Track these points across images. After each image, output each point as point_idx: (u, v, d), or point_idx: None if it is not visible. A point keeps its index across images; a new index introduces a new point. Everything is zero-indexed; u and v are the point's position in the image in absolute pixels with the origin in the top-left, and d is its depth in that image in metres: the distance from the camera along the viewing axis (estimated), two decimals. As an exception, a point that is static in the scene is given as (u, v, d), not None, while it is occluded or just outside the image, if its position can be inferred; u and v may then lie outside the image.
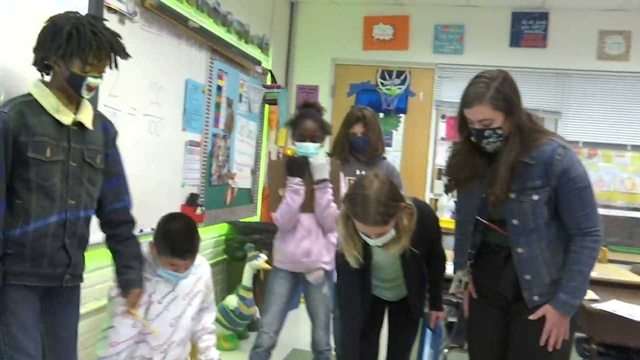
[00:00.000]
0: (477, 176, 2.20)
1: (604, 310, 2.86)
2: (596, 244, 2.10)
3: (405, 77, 6.04)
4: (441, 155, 5.98)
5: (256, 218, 5.45)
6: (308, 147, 2.94)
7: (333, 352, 3.04)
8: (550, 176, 2.07)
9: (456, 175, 2.28)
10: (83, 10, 2.66)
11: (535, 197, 2.09)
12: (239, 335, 4.33)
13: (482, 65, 5.64)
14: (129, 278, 2.34)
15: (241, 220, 4.99)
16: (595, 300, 2.98)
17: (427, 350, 2.72)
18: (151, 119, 3.52)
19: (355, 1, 5.97)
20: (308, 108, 3.05)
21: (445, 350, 3.12)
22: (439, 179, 5.99)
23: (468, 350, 2.44)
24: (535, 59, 5.75)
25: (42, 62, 2.08)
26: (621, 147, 5.64)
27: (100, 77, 2.17)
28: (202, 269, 2.66)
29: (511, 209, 2.12)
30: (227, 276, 4.73)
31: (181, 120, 3.91)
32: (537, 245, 2.12)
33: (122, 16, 3.13)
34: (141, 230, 3.42)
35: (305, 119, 2.97)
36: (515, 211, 2.11)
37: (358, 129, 3.38)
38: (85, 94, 2.11)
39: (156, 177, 3.62)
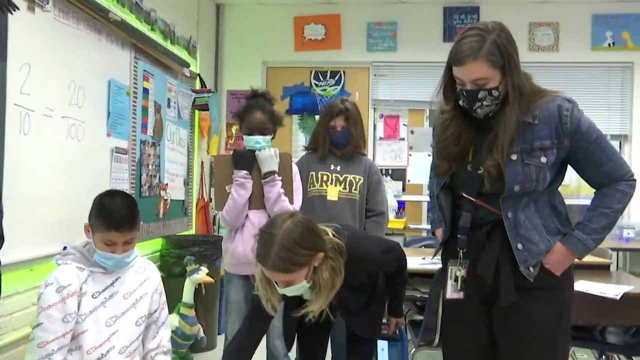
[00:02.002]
0: (468, 149, 1.95)
1: (576, 291, 2.76)
2: (632, 189, 1.90)
3: (340, 77, 5.95)
4: (381, 155, 5.89)
5: (191, 231, 5.16)
6: (257, 141, 2.78)
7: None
8: (562, 137, 1.85)
9: (449, 151, 1.96)
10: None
11: (543, 160, 1.85)
12: (182, 357, 4.06)
13: (417, 61, 5.78)
14: None
15: (177, 234, 4.69)
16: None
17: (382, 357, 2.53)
18: (71, 121, 3.21)
19: (285, 1, 5.85)
20: (256, 98, 2.88)
21: (413, 350, 2.93)
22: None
23: (444, 357, 2.18)
24: (469, 53, 5.72)
25: None
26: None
27: None
28: (149, 271, 2.40)
29: (514, 172, 1.85)
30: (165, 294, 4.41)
31: (105, 125, 3.61)
32: (525, 210, 1.90)
33: (31, 3, 2.82)
34: (65, 248, 3.10)
35: (254, 111, 2.81)
36: (519, 175, 1.85)
37: (339, 123, 3.18)
38: None
39: (80, 187, 3.31)
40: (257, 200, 2.77)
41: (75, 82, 3.24)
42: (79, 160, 3.29)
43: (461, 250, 1.98)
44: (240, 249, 2.78)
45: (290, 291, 2.01)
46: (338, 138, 3.18)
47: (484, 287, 1.97)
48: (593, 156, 1.88)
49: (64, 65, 3.13)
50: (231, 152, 2.90)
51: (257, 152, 2.77)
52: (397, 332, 2.52)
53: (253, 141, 2.78)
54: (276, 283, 2.00)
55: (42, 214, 2.94)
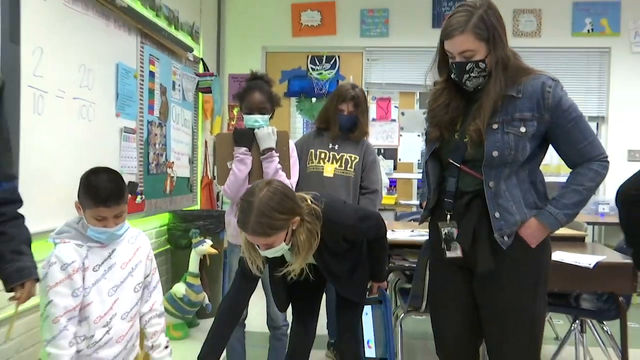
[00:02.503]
0: (458, 118, 1.96)
1: (553, 260, 2.79)
2: (604, 170, 1.89)
3: (335, 62, 5.91)
4: (374, 136, 5.87)
5: (196, 207, 5.16)
6: (256, 119, 2.76)
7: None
8: (543, 111, 1.86)
9: (439, 119, 1.98)
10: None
11: (522, 130, 1.86)
12: (188, 323, 4.13)
13: (408, 46, 5.75)
14: (23, 266, 1.82)
15: (183, 209, 4.69)
16: (541, 253, 2.93)
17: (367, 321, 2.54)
18: (82, 102, 3.19)
19: (283, -11, 5.80)
20: (256, 80, 2.85)
21: (402, 315, 2.96)
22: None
23: (432, 321, 2.19)
24: (456, 39, 5.70)
25: None
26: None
27: None
28: (140, 240, 2.37)
29: (493, 139, 1.86)
30: (171, 266, 4.45)
31: (114, 106, 3.59)
32: (506, 182, 1.90)
33: (42, -10, 2.79)
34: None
35: (253, 91, 2.77)
36: (497, 142, 1.86)
37: (346, 107, 3.19)
38: None
39: (91, 164, 3.24)
40: (256, 175, 2.74)
41: (85, 65, 3.21)
42: (89, 140, 3.27)
43: (448, 213, 2.00)
44: None
45: (271, 253, 2.03)
46: (344, 121, 3.19)
47: (464, 255, 1.98)
48: (570, 134, 1.88)
49: (74, 49, 3.10)
50: (232, 132, 2.88)
51: (256, 130, 2.75)
52: (380, 295, 2.53)
53: (252, 120, 2.76)
54: (258, 246, 2.03)
55: (55, 190, 2.94)
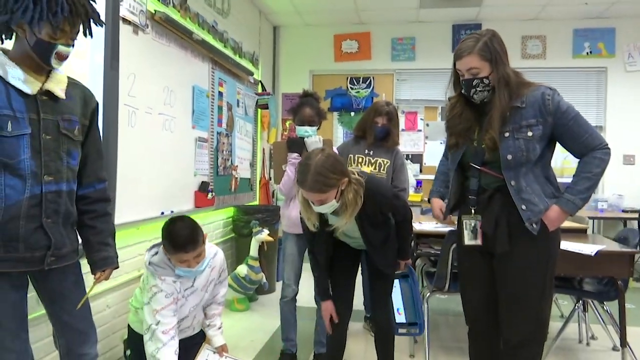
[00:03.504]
0: (471, 128, 1.95)
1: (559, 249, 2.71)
2: (606, 155, 1.86)
3: (370, 82, 5.85)
4: (403, 143, 5.80)
5: (256, 202, 5.20)
6: (306, 130, 2.76)
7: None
8: (545, 115, 1.84)
9: (455, 127, 2.00)
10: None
11: (530, 134, 1.84)
12: (249, 298, 4.16)
13: (431, 68, 5.67)
14: (107, 255, 1.77)
15: (245, 204, 4.74)
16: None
17: (396, 293, 2.50)
18: (165, 117, 3.26)
19: (326, 23, 5.78)
20: (307, 97, 2.86)
21: (427, 294, 2.92)
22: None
23: (461, 295, 2.16)
24: (473, 61, 5.61)
25: (4, 27, 1.47)
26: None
27: (72, 45, 1.54)
28: (215, 260, 2.33)
29: (506, 145, 1.86)
30: (235, 251, 4.49)
31: (191, 120, 3.65)
32: (525, 178, 1.88)
33: (135, 27, 2.86)
34: (162, 213, 3.19)
35: (304, 107, 2.79)
36: (510, 147, 1.85)
37: (381, 120, 3.17)
38: (55, 63, 1.52)
39: (173, 167, 3.38)
40: None
41: (168, 87, 3.28)
42: (171, 147, 3.33)
43: (473, 208, 1.99)
44: (294, 213, 2.76)
45: (324, 209, 2.03)
46: (379, 132, 3.16)
47: (486, 240, 1.97)
48: (572, 130, 1.86)
49: (159, 74, 3.17)
50: (286, 140, 2.89)
51: (305, 139, 2.75)
52: (407, 270, 2.50)
53: (303, 130, 2.76)
54: (312, 203, 2.03)
55: (144, 188, 3.01)
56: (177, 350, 2.12)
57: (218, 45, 4.07)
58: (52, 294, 1.69)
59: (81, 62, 2.33)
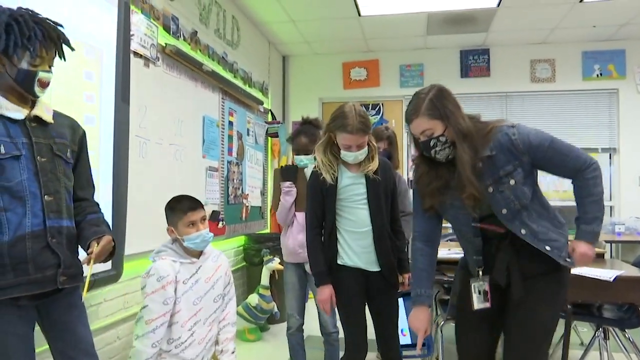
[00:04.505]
0: (447, 185, 1.80)
1: (575, 274, 2.64)
2: (595, 171, 1.74)
3: (379, 109, 5.90)
4: (414, 166, 5.81)
5: (267, 230, 5.19)
6: (301, 159, 2.76)
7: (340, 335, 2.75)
8: (519, 156, 1.72)
9: (423, 188, 1.85)
10: (111, 54, 2.45)
11: (512, 182, 1.73)
12: (261, 328, 4.09)
13: (440, 94, 5.66)
14: (99, 230, 1.71)
15: (256, 232, 4.74)
16: (565, 268, 2.78)
17: (402, 316, 2.40)
18: (176, 147, 3.29)
19: (335, 51, 5.85)
20: (305, 125, 2.83)
21: (441, 323, 2.85)
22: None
23: (456, 344, 2.02)
24: (481, 86, 5.63)
25: None
26: (556, 150, 5.49)
27: (51, 71, 1.58)
28: (221, 259, 2.41)
29: (495, 201, 1.75)
30: (247, 279, 4.46)
31: (201, 149, 3.69)
32: (532, 220, 1.78)
33: (146, 60, 2.92)
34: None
35: (299, 136, 2.77)
36: (500, 202, 1.75)
37: (382, 145, 3.19)
38: (38, 91, 1.55)
39: (183, 197, 3.38)
40: (302, 203, 2.66)
41: (178, 117, 3.33)
42: (182, 176, 3.36)
43: (479, 269, 1.86)
44: (290, 242, 2.73)
45: (360, 154, 2.19)
46: (381, 156, 3.15)
47: (498, 289, 1.85)
48: (552, 160, 1.74)
49: (170, 105, 3.22)
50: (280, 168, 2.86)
51: (305, 169, 2.74)
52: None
53: (298, 160, 2.76)
54: (349, 149, 2.16)
55: (155, 218, 2.98)
56: (158, 342, 2.11)
57: (228, 76, 4.13)
58: (57, 325, 1.68)
59: (92, 94, 2.38)
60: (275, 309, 3.91)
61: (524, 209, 1.76)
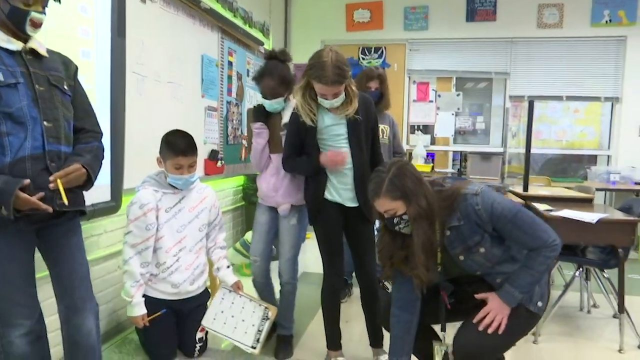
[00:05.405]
0: (408, 255, 1.82)
1: (560, 216, 2.73)
2: (550, 253, 1.71)
3: (382, 52, 5.81)
4: (414, 114, 5.82)
5: (267, 172, 5.26)
6: (271, 103, 2.52)
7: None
8: (484, 225, 1.74)
9: (389, 257, 1.86)
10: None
11: (482, 250, 1.76)
12: (258, 263, 4.21)
13: (444, 38, 5.59)
14: (78, 158, 1.71)
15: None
16: (550, 210, 2.88)
17: None
18: (174, 85, 3.31)
19: (338, -9, 5.72)
20: (271, 61, 2.55)
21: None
22: (413, 132, 5.83)
23: None
24: (487, 30, 5.50)
25: None
26: (558, 98, 5.44)
27: (44, 12, 1.61)
28: (207, 192, 2.54)
29: (468, 265, 1.81)
30: (245, 218, 4.59)
31: (200, 89, 3.70)
32: (506, 268, 1.80)
33: (142, -5, 2.90)
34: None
35: (264, 78, 2.51)
36: (473, 266, 1.80)
37: (373, 85, 3.24)
38: (30, 30, 1.58)
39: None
40: (276, 145, 2.56)
41: (176, 55, 3.32)
42: (180, 116, 3.39)
43: (443, 333, 1.90)
44: (264, 185, 2.63)
45: (337, 101, 2.21)
46: (373, 96, 3.17)
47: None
48: (512, 233, 1.74)
49: (168, 43, 3.21)
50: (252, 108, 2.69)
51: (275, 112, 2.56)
52: None
53: (267, 104, 2.53)
54: (325, 98, 2.19)
55: (152, 155, 3.05)
56: (146, 263, 2.31)
57: (227, 15, 4.08)
58: (56, 248, 1.76)
59: (87, 29, 2.39)
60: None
61: (497, 265, 1.80)
